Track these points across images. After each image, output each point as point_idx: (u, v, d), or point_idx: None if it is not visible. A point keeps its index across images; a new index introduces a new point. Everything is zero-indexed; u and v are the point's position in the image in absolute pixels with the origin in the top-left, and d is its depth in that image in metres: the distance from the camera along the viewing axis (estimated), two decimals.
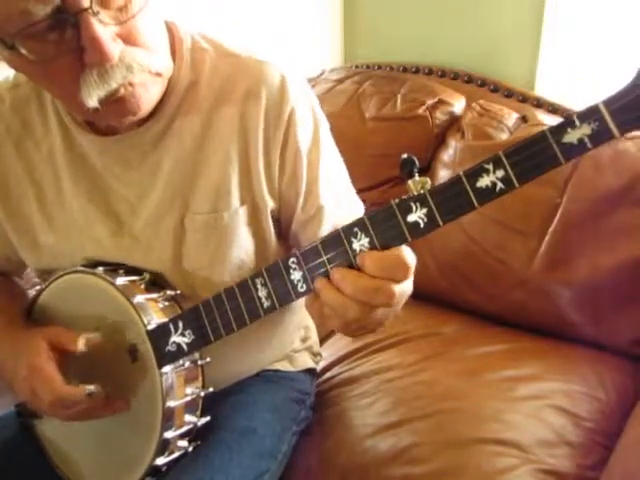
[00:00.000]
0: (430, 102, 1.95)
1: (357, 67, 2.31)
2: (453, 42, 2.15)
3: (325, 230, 1.10)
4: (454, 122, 1.92)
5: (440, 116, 1.92)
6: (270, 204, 1.07)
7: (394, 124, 1.95)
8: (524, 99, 1.91)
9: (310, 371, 1.42)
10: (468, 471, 1.21)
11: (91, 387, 0.95)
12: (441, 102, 1.94)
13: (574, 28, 1.88)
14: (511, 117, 1.80)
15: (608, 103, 0.55)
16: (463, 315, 1.77)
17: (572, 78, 1.91)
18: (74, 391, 0.96)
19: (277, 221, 1.12)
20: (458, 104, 1.96)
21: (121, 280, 1.02)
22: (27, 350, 1.01)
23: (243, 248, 1.08)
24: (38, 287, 1.15)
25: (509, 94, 1.94)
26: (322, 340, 1.63)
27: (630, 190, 1.53)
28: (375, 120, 1.97)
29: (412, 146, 1.86)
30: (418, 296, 1.87)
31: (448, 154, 1.84)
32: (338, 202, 1.12)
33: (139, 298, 0.99)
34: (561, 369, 1.49)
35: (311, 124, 1.07)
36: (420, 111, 1.93)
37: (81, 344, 0.97)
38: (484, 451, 1.24)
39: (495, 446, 1.25)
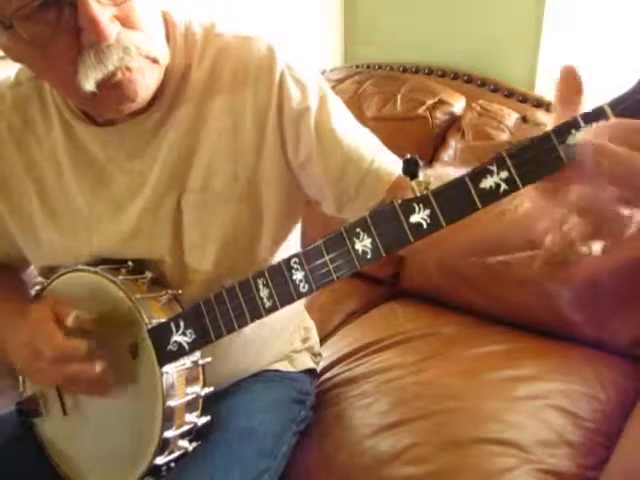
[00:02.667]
0: (430, 102, 1.95)
1: (357, 67, 2.31)
2: (453, 42, 2.15)
3: (366, 186, 1.04)
4: (454, 122, 1.92)
5: (440, 116, 1.92)
6: (274, 179, 1.06)
7: (394, 124, 1.96)
8: (524, 99, 1.91)
9: (310, 371, 1.42)
10: (468, 471, 1.21)
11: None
12: (441, 102, 1.94)
13: (574, 28, 1.88)
14: (511, 117, 1.79)
15: (613, 105, 0.54)
16: (463, 315, 1.77)
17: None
18: (76, 343, 0.95)
19: (291, 198, 1.10)
20: (458, 104, 1.96)
21: (123, 278, 1.02)
22: (29, 314, 1.01)
23: (237, 226, 1.07)
24: (39, 287, 1.14)
25: (509, 94, 1.94)
26: (322, 340, 1.64)
27: None
28: (376, 120, 1.97)
29: (412, 146, 1.85)
30: (418, 296, 1.89)
31: (448, 154, 1.85)
32: (371, 153, 1.05)
33: (140, 296, 1.00)
34: (561, 369, 1.49)
35: (308, 82, 1.04)
36: (420, 111, 1.93)
37: (70, 320, 0.96)
38: (484, 451, 1.24)
39: (495, 446, 1.25)
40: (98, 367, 0.95)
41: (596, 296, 1.55)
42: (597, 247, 0.60)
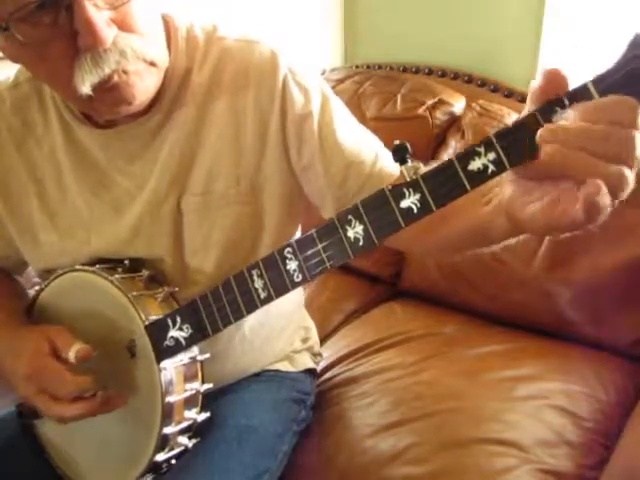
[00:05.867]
0: (430, 102, 1.95)
1: (357, 67, 2.32)
2: (453, 42, 2.15)
3: (369, 189, 1.02)
4: (454, 122, 1.93)
5: (440, 116, 1.93)
6: (275, 183, 1.06)
7: (394, 124, 1.96)
8: (524, 99, 1.89)
9: (310, 371, 1.42)
10: (468, 471, 1.21)
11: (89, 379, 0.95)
12: (441, 102, 1.95)
13: (574, 28, 1.88)
14: (511, 117, 1.79)
15: (597, 82, 0.55)
16: (463, 315, 1.77)
17: (572, 78, 1.91)
18: (85, 380, 0.94)
19: (292, 202, 1.11)
20: (458, 104, 1.96)
21: (119, 277, 1.02)
22: (28, 348, 1.00)
23: (238, 229, 1.08)
24: (38, 287, 1.15)
25: (509, 94, 1.95)
26: (322, 340, 1.64)
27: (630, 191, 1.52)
28: (376, 120, 1.98)
29: (412, 146, 1.84)
30: (418, 296, 1.89)
31: (448, 154, 1.85)
32: (373, 155, 1.05)
33: (137, 294, 1.00)
34: (561, 369, 1.49)
35: (311, 86, 1.05)
36: (420, 111, 1.94)
37: (72, 356, 0.95)
38: (484, 451, 1.24)
39: (495, 446, 1.25)
40: (98, 400, 0.97)
41: (596, 296, 1.55)
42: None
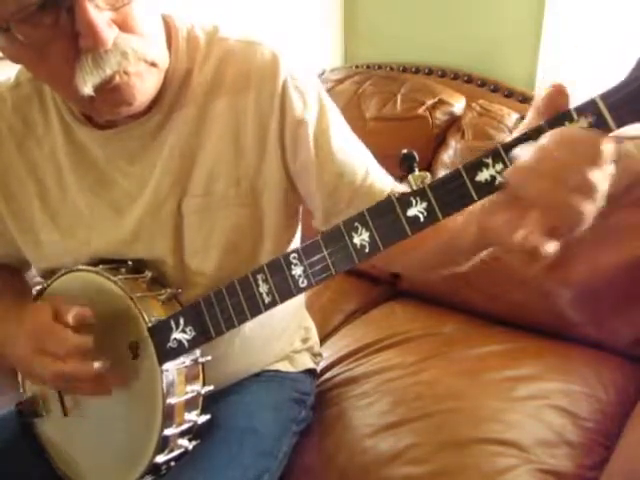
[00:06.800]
0: (430, 102, 1.95)
1: (357, 67, 2.32)
2: (453, 42, 2.15)
3: (357, 202, 1.04)
4: (454, 122, 1.93)
5: (440, 116, 1.93)
6: (274, 184, 1.06)
7: (394, 124, 1.96)
8: (524, 99, 1.91)
9: (310, 371, 1.42)
10: (468, 471, 1.21)
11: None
12: (441, 102, 1.95)
13: (574, 28, 1.88)
14: (511, 117, 1.79)
15: (605, 96, 0.55)
16: (463, 315, 1.77)
17: (572, 78, 1.91)
18: (85, 338, 0.94)
19: (290, 203, 1.11)
20: (458, 104, 1.96)
21: (123, 277, 1.02)
22: (30, 312, 1.01)
23: (238, 231, 1.07)
24: (39, 287, 1.14)
25: (509, 94, 1.95)
26: (322, 340, 1.64)
27: (630, 191, 1.52)
28: (375, 120, 1.97)
29: (412, 146, 1.80)
30: (418, 296, 1.89)
31: (448, 154, 1.85)
32: (365, 169, 1.06)
33: (140, 295, 1.00)
34: (561, 369, 1.49)
35: (310, 93, 1.05)
36: (420, 111, 1.94)
37: (71, 317, 0.96)
38: (484, 451, 1.24)
39: (495, 446, 1.25)
40: (97, 365, 0.95)
41: (596, 296, 1.56)
42: (551, 247, 0.64)
